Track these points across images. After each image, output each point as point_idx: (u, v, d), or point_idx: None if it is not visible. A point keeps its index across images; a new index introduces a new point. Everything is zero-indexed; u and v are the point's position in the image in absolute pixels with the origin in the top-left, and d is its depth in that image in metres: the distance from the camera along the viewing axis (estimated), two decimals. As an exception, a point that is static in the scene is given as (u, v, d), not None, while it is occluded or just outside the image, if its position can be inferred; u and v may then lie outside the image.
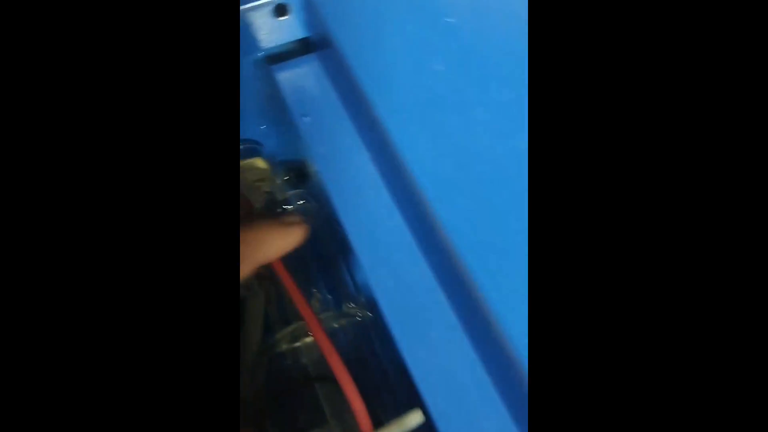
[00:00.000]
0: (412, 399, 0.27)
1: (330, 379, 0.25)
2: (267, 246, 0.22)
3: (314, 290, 0.26)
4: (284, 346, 0.26)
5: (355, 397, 0.21)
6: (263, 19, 0.20)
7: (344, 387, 0.22)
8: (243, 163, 0.30)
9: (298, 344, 0.27)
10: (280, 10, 0.20)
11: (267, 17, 0.20)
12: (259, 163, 0.30)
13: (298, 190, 0.31)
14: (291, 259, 0.26)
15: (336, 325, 0.26)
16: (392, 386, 0.26)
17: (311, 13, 0.20)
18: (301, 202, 0.31)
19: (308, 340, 0.27)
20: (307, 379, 0.25)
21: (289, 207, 0.30)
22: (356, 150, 0.19)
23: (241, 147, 0.31)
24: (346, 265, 0.29)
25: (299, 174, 0.39)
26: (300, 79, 0.21)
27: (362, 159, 0.19)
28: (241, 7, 0.19)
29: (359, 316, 0.27)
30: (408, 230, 0.18)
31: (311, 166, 0.39)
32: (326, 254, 0.30)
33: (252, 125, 0.32)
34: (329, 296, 0.28)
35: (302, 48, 0.22)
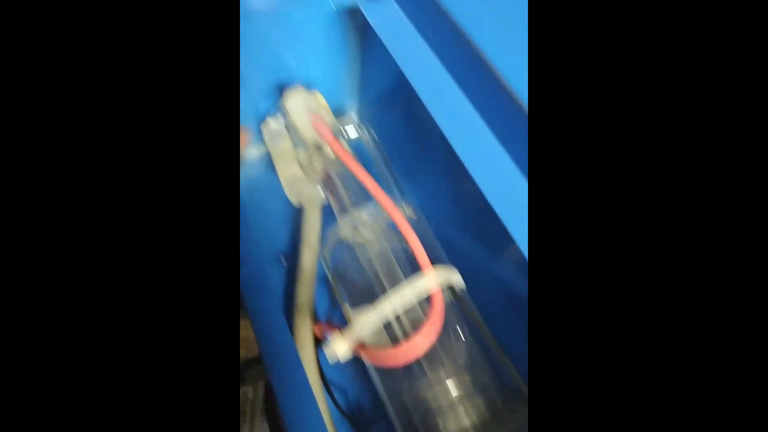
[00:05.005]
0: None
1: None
2: None
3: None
4: (348, 233, 0.32)
5: (417, 245, 0.27)
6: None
7: (407, 237, 0.27)
8: (312, 93, 0.36)
9: (357, 235, 0.32)
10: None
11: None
12: (320, 98, 0.36)
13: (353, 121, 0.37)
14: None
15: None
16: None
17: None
18: (357, 123, 0.37)
19: (366, 233, 0.32)
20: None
21: (346, 134, 0.36)
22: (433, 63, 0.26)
23: (304, 84, 0.37)
24: (397, 185, 0.35)
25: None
26: (385, 13, 0.28)
27: (436, 64, 0.26)
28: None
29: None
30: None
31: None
32: (379, 177, 0.36)
33: (311, 70, 0.38)
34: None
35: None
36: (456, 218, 0.35)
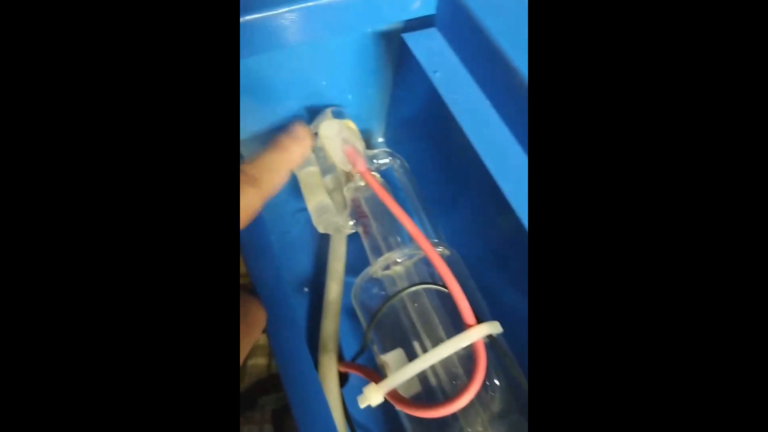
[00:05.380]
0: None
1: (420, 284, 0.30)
2: (288, 154, 0.25)
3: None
4: (379, 273, 0.31)
5: (461, 296, 0.26)
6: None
7: (450, 288, 0.26)
8: (342, 122, 0.35)
9: (389, 272, 0.31)
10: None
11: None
12: (350, 124, 0.35)
13: (383, 149, 0.36)
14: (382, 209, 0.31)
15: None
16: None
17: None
18: (387, 151, 0.36)
19: (398, 268, 0.31)
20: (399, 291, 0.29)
21: (377, 161, 0.35)
22: (475, 92, 0.25)
23: (333, 109, 0.36)
24: (427, 215, 0.34)
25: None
26: (428, 44, 0.27)
27: (481, 98, 0.25)
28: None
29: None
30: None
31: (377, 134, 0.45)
32: (409, 204, 0.35)
33: (341, 93, 0.37)
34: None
35: (422, 23, 0.28)
36: (489, 250, 0.34)
